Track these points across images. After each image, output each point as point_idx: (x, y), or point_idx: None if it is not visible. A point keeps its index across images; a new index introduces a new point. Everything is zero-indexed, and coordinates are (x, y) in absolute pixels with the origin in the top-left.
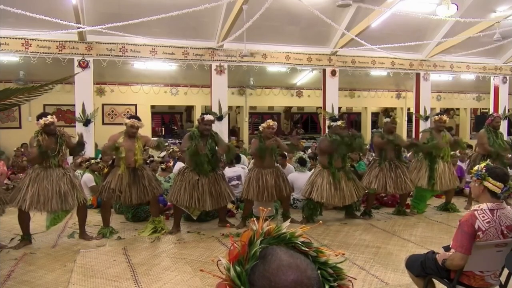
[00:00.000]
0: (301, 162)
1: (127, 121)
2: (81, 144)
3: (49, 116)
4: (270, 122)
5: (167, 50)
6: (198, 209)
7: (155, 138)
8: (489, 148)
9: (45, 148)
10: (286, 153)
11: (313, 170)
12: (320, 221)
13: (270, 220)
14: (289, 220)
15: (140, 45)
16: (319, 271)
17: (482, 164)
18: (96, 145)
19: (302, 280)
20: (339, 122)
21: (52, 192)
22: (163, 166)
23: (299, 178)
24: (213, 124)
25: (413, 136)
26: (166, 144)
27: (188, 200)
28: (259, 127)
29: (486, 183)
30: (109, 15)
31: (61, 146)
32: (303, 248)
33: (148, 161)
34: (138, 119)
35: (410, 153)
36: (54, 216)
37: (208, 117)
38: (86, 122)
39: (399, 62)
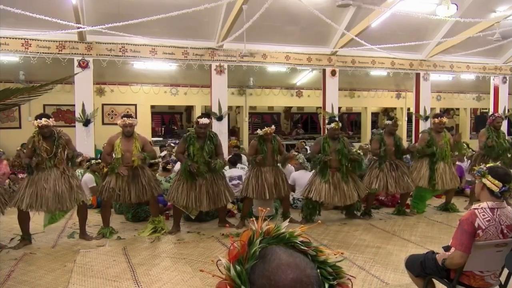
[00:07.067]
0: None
1: (119, 122)
2: (73, 159)
3: (43, 119)
4: (266, 129)
5: (167, 50)
6: (195, 209)
7: (153, 139)
8: (483, 144)
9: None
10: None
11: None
12: (320, 221)
13: (270, 220)
14: (288, 219)
15: (140, 45)
16: (318, 270)
17: (488, 164)
18: (95, 146)
19: (302, 279)
20: (333, 124)
21: (49, 192)
22: (156, 166)
23: (302, 177)
24: (213, 124)
25: (413, 136)
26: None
27: (185, 200)
28: (260, 131)
29: (484, 180)
30: (109, 15)
31: (58, 149)
32: (302, 247)
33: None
34: (130, 116)
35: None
36: (51, 215)
37: (203, 120)
38: (86, 122)
39: (399, 62)
